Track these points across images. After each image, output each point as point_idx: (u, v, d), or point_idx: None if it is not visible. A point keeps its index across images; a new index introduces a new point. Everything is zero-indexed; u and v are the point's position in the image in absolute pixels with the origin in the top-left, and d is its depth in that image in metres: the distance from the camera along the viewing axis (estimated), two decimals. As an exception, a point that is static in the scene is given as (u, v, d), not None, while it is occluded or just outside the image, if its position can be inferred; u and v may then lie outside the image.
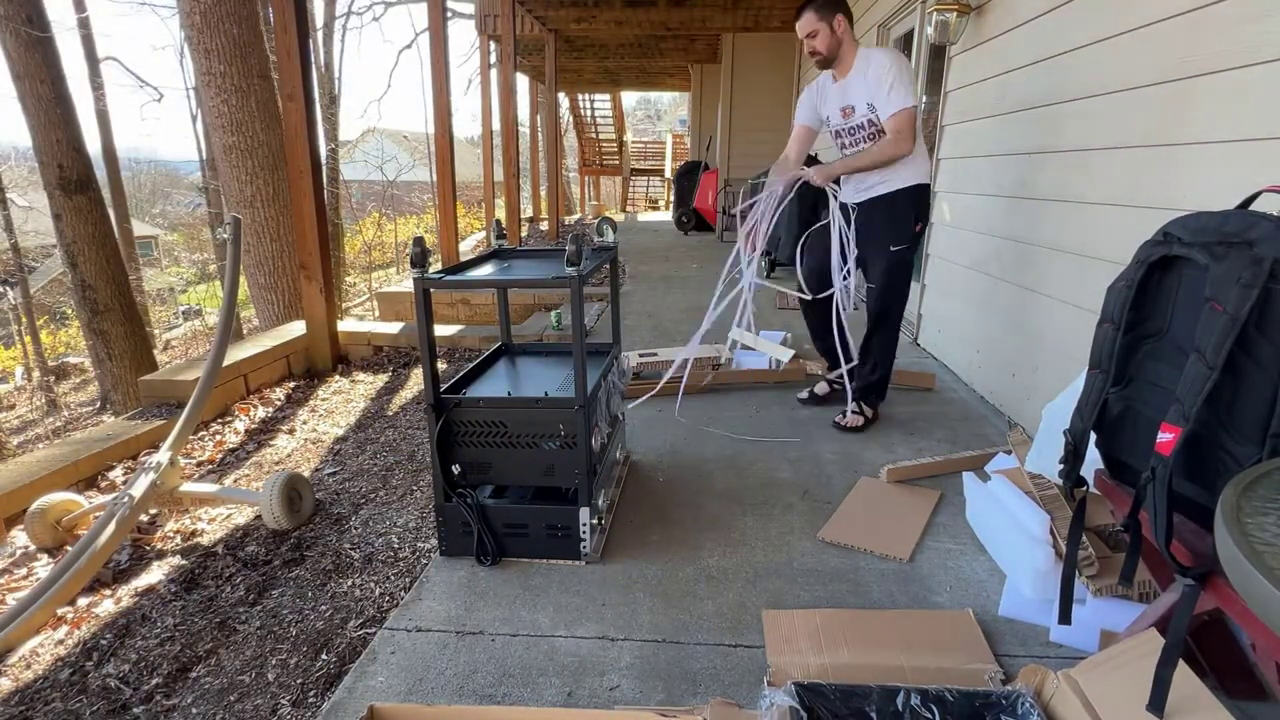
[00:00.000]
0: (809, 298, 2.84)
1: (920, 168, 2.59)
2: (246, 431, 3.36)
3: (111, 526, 2.12)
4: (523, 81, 13.04)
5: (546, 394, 1.94)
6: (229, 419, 3.45)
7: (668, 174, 17.74)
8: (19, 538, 2.39)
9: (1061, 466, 1.35)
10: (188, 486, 2.46)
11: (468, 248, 10.27)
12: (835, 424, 2.83)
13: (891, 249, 2.59)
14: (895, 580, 1.84)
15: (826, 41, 2.53)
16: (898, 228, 2.60)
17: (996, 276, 3.09)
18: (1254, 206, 1.14)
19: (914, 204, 2.58)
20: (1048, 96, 2.67)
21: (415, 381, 4.01)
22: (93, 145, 7.44)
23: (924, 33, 4.12)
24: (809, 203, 6.01)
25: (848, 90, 2.59)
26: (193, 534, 2.43)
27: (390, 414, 3.53)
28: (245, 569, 2.19)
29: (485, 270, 2.06)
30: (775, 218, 2.70)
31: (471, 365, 2.22)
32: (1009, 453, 2.29)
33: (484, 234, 11.71)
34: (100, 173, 7.84)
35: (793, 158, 2.72)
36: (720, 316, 2.81)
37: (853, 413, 2.85)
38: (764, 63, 9.07)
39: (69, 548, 2.23)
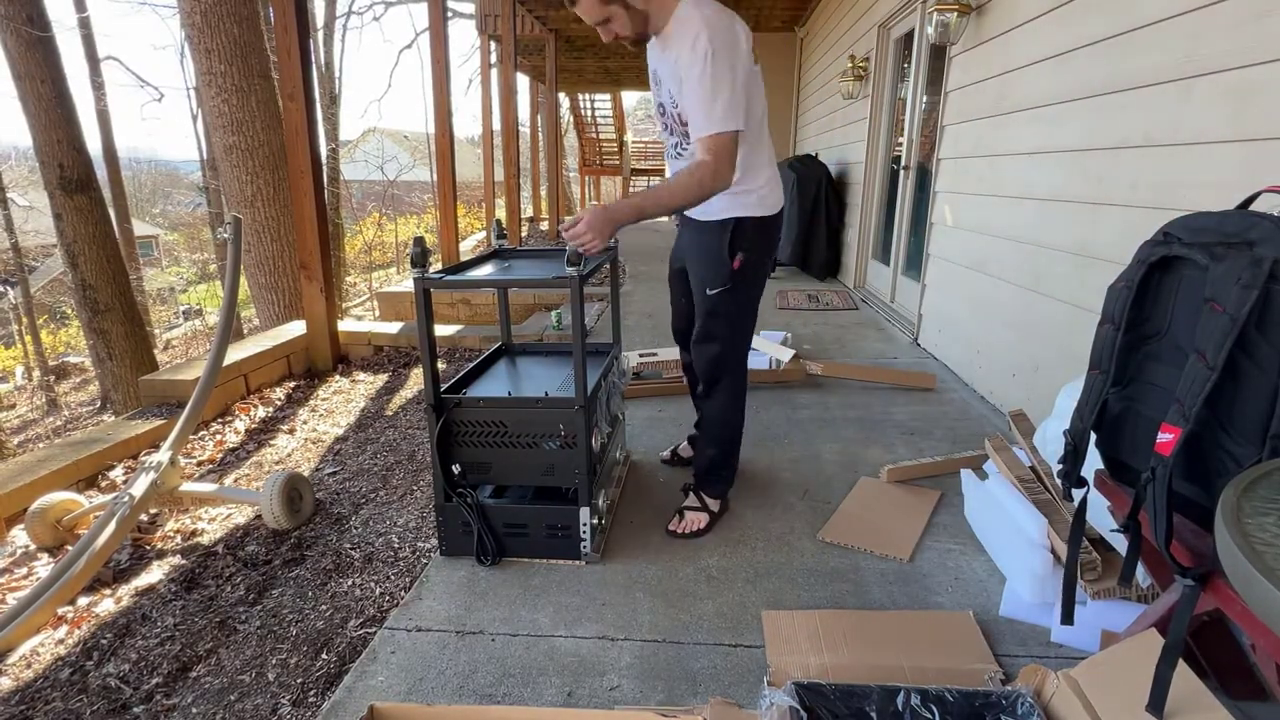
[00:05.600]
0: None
1: (744, 199, 1.90)
2: (247, 431, 3.36)
3: (111, 526, 2.12)
4: (523, 81, 13.02)
5: (546, 394, 1.94)
6: (229, 418, 3.45)
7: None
8: (19, 537, 2.39)
9: (1061, 466, 1.35)
10: (188, 486, 2.46)
11: (468, 248, 10.27)
12: (669, 531, 2.07)
13: (708, 292, 1.96)
14: (895, 580, 1.84)
15: (627, 20, 1.75)
16: (711, 266, 1.95)
17: (996, 277, 3.09)
18: (1254, 207, 1.14)
19: (728, 237, 1.91)
20: (1048, 96, 2.67)
21: (415, 381, 4.01)
22: (93, 145, 7.43)
23: (924, 33, 4.12)
24: (810, 198, 6.03)
25: (658, 50, 1.85)
26: (193, 534, 2.43)
27: (390, 414, 3.53)
28: (245, 568, 2.19)
29: (485, 270, 2.06)
30: None
31: (471, 365, 2.22)
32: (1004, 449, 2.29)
33: (484, 234, 11.71)
34: (101, 172, 7.83)
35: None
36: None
37: (689, 509, 2.12)
38: (764, 63, 9.00)
39: (69, 547, 2.23)
